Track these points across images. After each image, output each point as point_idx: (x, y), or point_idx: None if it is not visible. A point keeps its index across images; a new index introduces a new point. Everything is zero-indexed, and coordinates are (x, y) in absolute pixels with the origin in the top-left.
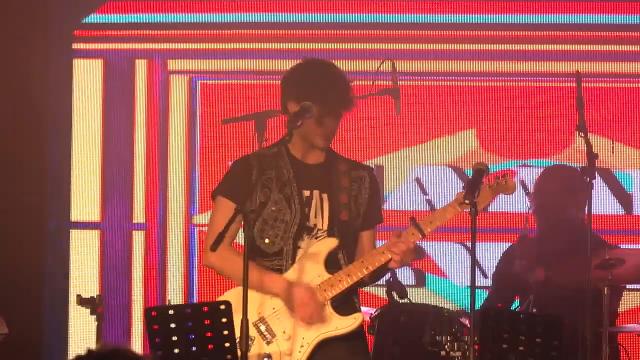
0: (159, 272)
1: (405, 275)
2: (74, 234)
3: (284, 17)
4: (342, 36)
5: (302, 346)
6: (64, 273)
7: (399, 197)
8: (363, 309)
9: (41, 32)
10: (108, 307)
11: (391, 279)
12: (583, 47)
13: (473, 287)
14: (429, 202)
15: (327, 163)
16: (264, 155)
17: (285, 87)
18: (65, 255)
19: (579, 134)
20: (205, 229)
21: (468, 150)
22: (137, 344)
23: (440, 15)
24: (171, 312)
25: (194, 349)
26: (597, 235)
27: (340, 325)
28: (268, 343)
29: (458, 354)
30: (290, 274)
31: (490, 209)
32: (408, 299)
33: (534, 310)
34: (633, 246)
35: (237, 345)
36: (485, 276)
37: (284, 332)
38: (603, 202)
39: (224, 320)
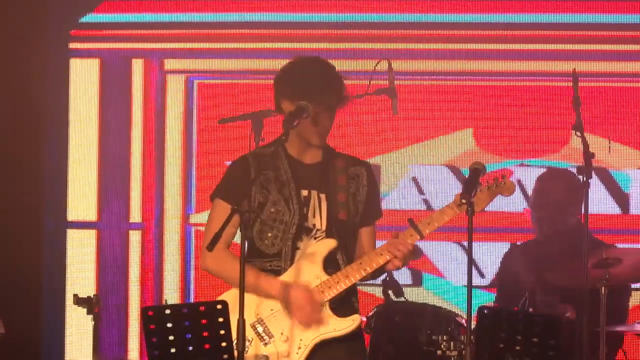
0: (156, 272)
1: (402, 275)
2: (71, 233)
3: (280, 16)
4: (338, 36)
5: (299, 348)
6: (60, 274)
7: (396, 197)
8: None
9: (38, 31)
10: (105, 306)
11: (387, 278)
12: (579, 47)
13: (470, 286)
14: (425, 201)
15: (324, 162)
16: (261, 154)
17: (278, 86)
18: (62, 255)
19: (575, 133)
20: (201, 228)
21: (465, 149)
22: (133, 344)
23: (438, 15)
24: (168, 311)
25: (191, 348)
26: (593, 235)
27: (339, 326)
28: (266, 344)
29: (454, 353)
30: (289, 276)
31: (487, 208)
32: (404, 298)
33: (530, 310)
34: (630, 246)
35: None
36: (482, 276)
37: (281, 333)
38: (600, 201)
39: (220, 320)
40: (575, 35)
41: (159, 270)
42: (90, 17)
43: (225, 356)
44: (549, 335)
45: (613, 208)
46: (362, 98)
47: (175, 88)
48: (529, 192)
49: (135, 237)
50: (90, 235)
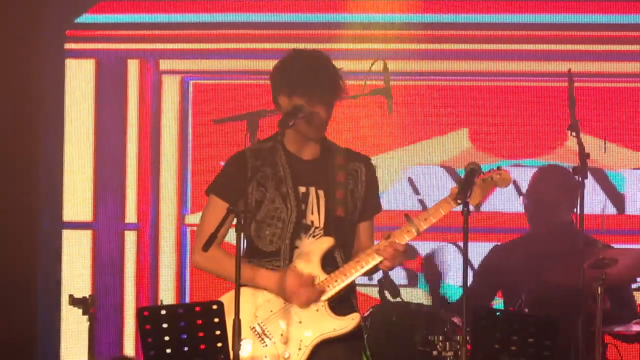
0: (151, 272)
1: (398, 275)
2: (66, 234)
3: (275, 17)
4: (333, 36)
5: (300, 349)
6: (55, 280)
7: (391, 197)
8: None
9: (33, 32)
10: (100, 307)
11: (383, 279)
12: (575, 47)
13: (465, 286)
14: (421, 202)
15: (322, 158)
16: (259, 149)
17: (273, 82)
18: (58, 255)
19: (570, 133)
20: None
21: (460, 150)
22: (129, 344)
23: (436, 15)
24: (163, 312)
25: (186, 349)
26: (588, 235)
27: (338, 326)
28: (266, 346)
29: (450, 353)
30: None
31: (483, 208)
32: (400, 298)
33: (526, 310)
34: (625, 246)
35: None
36: None
37: (281, 334)
38: (595, 201)
39: (216, 320)
40: (571, 36)
41: (155, 270)
42: (85, 18)
43: (221, 357)
44: (545, 336)
45: (607, 208)
46: (358, 98)
47: (170, 88)
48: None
49: (130, 237)
50: (86, 236)
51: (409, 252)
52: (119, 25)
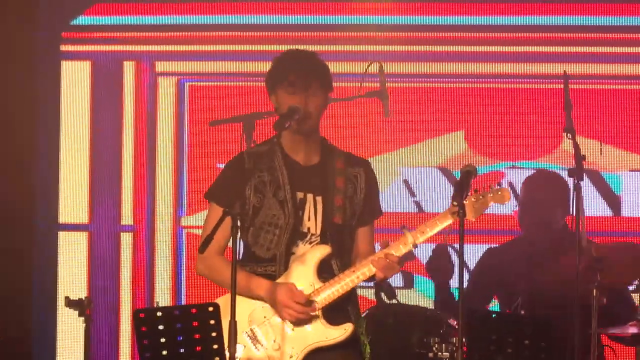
0: (147, 274)
1: (394, 277)
2: (62, 235)
3: (271, 19)
4: (329, 38)
5: (291, 356)
6: (51, 281)
7: (386, 199)
8: None
9: (29, 33)
10: (96, 309)
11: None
12: (571, 49)
13: (461, 288)
14: (417, 204)
15: (321, 164)
16: (258, 153)
17: (266, 85)
18: (54, 257)
19: (566, 135)
20: (193, 231)
21: (456, 152)
22: (125, 346)
23: (432, 17)
24: (159, 314)
25: (182, 350)
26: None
27: (330, 335)
28: (258, 351)
29: (446, 355)
30: (282, 281)
31: None
32: (396, 300)
33: (522, 312)
34: None
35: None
36: None
37: (274, 340)
38: (591, 203)
39: (212, 322)
40: (567, 38)
41: (151, 272)
42: (81, 20)
43: (217, 358)
44: (541, 338)
45: (604, 210)
46: (353, 100)
47: (166, 90)
48: None
49: (126, 239)
50: (82, 238)
51: (406, 259)
52: (115, 27)
